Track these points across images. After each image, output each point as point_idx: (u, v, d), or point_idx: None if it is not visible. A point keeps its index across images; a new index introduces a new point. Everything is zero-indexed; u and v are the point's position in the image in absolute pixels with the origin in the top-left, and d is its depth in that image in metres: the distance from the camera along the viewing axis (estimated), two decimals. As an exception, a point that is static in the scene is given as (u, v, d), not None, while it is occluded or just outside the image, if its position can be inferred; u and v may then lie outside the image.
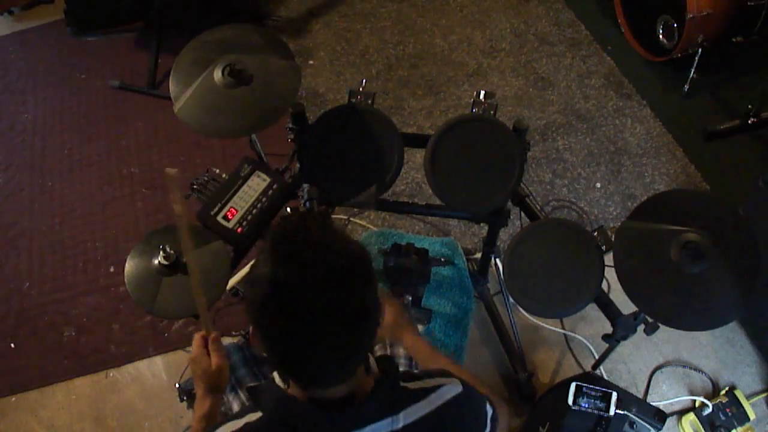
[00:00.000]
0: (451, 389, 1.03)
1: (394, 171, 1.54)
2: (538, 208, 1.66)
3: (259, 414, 0.95)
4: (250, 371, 1.49)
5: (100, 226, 2.54)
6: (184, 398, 1.60)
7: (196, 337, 1.16)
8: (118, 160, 2.74)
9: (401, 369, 1.44)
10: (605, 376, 2.05)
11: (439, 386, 1.02)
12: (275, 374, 0.97)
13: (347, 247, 0.85)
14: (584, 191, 2.51)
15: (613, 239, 1.44)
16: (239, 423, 0.96)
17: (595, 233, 1.47)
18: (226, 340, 2.15)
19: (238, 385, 1.48)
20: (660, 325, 1.45)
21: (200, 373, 1.13)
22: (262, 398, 0.97)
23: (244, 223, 1.52)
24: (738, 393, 1.99)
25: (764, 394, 2.04)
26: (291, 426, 0.91)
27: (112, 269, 2.41)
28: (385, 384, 0.95)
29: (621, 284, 1.38)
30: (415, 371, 1.06)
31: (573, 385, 1.76)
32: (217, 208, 1.54)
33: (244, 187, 1.57)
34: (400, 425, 0.95)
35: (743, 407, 1.96)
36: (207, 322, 1.17)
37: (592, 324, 2.17)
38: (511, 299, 2.10)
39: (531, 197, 1.67)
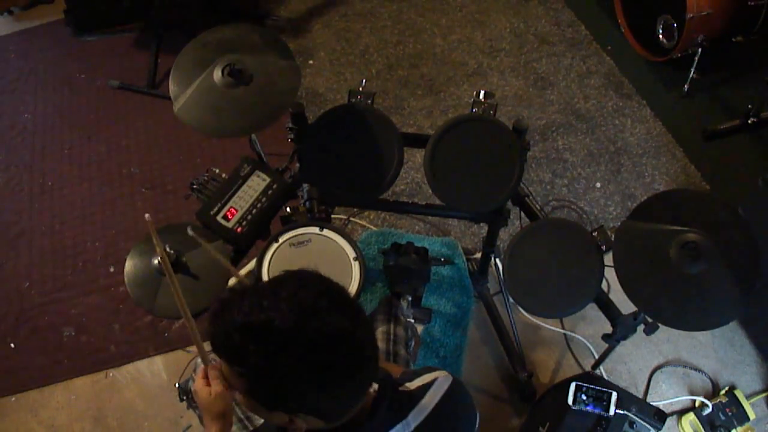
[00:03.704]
0: (446, 380, 1.05)
1: (394, 171, 1.54)
2: (538, 208, 1.66)
3: None
4: None
5: (100, 226, 2.54)
6: (184, 398, 1.60)
7: (199, 370, 1.19)
8: (118, 160, 2.74)
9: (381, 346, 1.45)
10: (605, 376, 2.05)
11: (434, 380, 1.04)
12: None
13: (315, 277, 0.87)
14: (584, 191, 2.51)
15: (613, 239, 1.44)
16: None
17: (595, 233, 1.47)
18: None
19: None
20: (660, 325, 1.45)
21: (201, 402, 1.15)
22: None
23: (244, 222, 1.52)
24: (738, 393, 2.00)
25: (764, 394, 2.04)
26: None
27: (112, 269, 2.41)
28: (387, 394, 0.96)
29: (621, 284, 1.38)
30: (405, 373, 1.08)
31: (573, 385, 1.76)
32: (216, 208, 1.54)
33: (244, 187, 1.57)
34: (412, 428, 0.96)
35: (743, 407, 1.96)
36: (204, 354, 1.19)
37: (592, 324, 2.17)
38: (511, 299, 2.10)
39: (531, 197, 1.67)
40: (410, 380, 1.04)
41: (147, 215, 1.10)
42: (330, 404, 0.86)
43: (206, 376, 1.16)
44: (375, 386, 0.97)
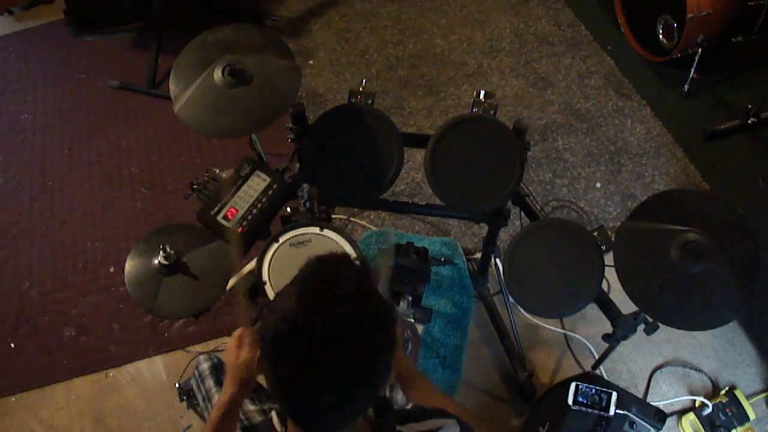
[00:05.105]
0: (452, 430, 1.01)
1: (394, 171, 1.54)
2: (538, 208, 1.66)
3: None
4: (217, 381, 1.49)
5: (100, 226, 2.54)
6: (184, 398, 1.60)
7: (234, 333, 1.19)
8: (118, 160, 2.74)
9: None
10: (605, 376, 2.05)
11: (436, 429, 1.01)
12: (273, 414, 0.96)
13: (376, 308, 0.85)
14: (584, 191, 2.51)
15: (613, 239, 1.44)
16: None
17: (595, 233, 1.47)
18: (225, 340, 2.17)
19: (206, 397, 1.49)
20: (660, 325, 1.45)
21: (228, 363, 1.16)
22: None
23: (245, 222, 1.53)
24: (738, 393, 1.99)
25: (764, 394, 2.04)
26: None
27: (112, 269, 2.40)
28: (383, 430, 0.94)
29: (621, 284, 1.38)
30: (412, 410, 1.06)
31: (573, 385, 1.76)
32: (217, 208, 1.54)
33: (244, 187, 1.57)
34: None
35: (743, 407, 1.96)
36: (244, 319, 1.20)
37: (592, 324, 2.17)
38: (511, 299, 2.10)
39: (531, 197, 1.67)
40: (416, 421, 1.02)
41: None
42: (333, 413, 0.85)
43: (240, 338, 1.15)
44: (371, 414, 0.96)
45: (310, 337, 0.80)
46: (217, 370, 1.51)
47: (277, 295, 0.87)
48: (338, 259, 0.89)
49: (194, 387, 1.54)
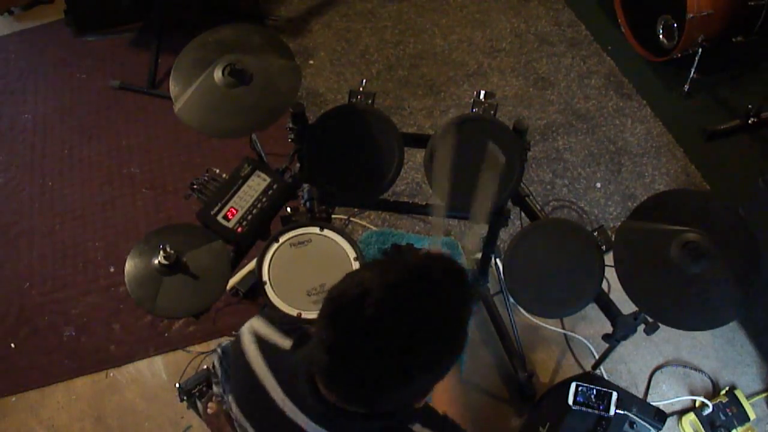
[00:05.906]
0: None
1: (394, 171, 1.54)
2: (538, 208, 1.66)
3: (289, 344, 0.96)
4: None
5: (100, 226, 2.54)
6: (184, 398, 1.60)
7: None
8: (118, 160, 2.74)
9: None
10: (605, 376, 2.05)
11: None
12: None
13: (450, 339, 0.82)
14: (584, 191, 2.51)
15: (613, 239, 1.44)
16: (270, 334, 0.98)
17: (595, 233, 1.47)
18: (227, 340, 2.17)
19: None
20: (660, 325, 1.45)
21: None
22: (303, 346, 0.96)
23: (244, 222, 1.52)
24: (738, 393, 2.00)
25: (764, 394, 2.04)
26: (295, 390, 0.92)
27: (112, 269, 2.40)
28: (396, 419, 0.91)
29: (621, 284, 1.38)
30: (431, 416, 1.03)
31: (573, 385, 1.76)
32: (217, 208, 1.54)
33: (244, 187, 1.57)
34: None
35: (743, 407, 1.96)
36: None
37: (592, 324, 2.17)
38: (511, 299, 2.10)
39: (531, 197, 1.67)
40: (423, 424, 0.99)
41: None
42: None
43: None
44: None
45: (370, 319, 0.76)
46: None
47: (375, 262, 0.83)
48: (453, 273, 0.84)
49: (215, 363, 1.51)
